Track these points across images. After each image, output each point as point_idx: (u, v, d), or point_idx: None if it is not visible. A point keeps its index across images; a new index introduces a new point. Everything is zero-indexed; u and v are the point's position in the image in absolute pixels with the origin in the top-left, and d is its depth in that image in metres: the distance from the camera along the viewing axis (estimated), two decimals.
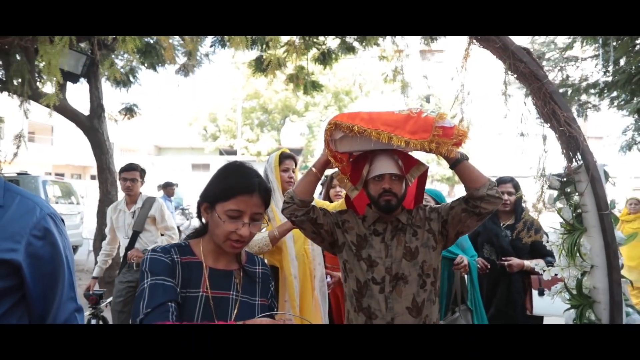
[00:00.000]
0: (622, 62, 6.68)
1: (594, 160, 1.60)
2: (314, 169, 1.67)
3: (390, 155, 1.62)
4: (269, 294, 1.22)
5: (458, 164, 1.54)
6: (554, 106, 1.59)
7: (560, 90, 7.87)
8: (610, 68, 7.03)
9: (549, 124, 1.65)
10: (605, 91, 7.24)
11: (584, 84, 7.34)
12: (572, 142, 1.61)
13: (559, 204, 1.69)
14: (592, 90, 7.48)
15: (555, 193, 1.71)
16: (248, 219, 1.09)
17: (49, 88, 4.77)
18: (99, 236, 4.91)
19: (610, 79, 7.06)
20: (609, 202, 1.63)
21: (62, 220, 0.98)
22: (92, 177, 24.69)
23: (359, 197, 1.74)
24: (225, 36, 5.13)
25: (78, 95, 6.16)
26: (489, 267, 2.47)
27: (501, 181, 2.59)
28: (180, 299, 1.04)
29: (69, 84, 4.77)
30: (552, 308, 2.21)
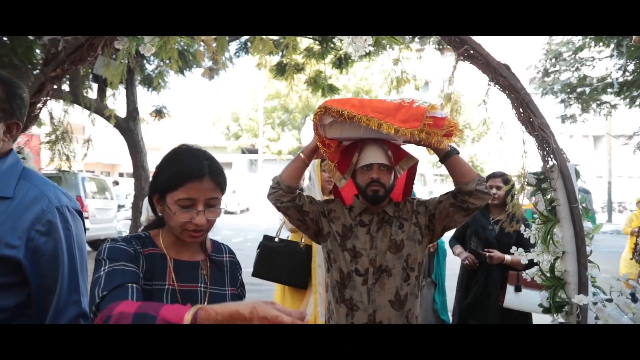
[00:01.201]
0: None
1: (565, 161, 1.85)
2: (302, 154, 1.64)
3: (380, 145, 1.60)
4: (238, 283, 1.17)
5: (448, 158, 1.54)
6: (530, 114, 1.85)
7: (578, 90, 7.90)
8: (630, 67, 7.04)
9: (526, 129, 1.90)
10: (625, 90, 7.25)
11: (601, 83, 7.36)
12: (546, 145, 1.86)
13: (535, 199, 1.94)
14: (610, 90, 7.48)
15: (532, 189, 1.96)
16: (202, 206, 0.99)
17: (91, 94, 5.27)
18: (134, 227, 5.38)
19: (629, 78, 7.06)
20: (579, 197, 1.88)
21: (79, 212, 0.90)
22: (120, 175, 25.79)
23: (347, 188, 1.73)
24: (249, 43, 5.51)
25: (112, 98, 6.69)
26: (477, 264, 2.63)
27: (491, 175, 2.68)
28: (144, 290, 0.95)
29: (108, 89, 5.24)
30: (524, 304, 2.40)
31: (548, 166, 1.91)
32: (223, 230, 13.14)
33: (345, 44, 1.97)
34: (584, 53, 7.24)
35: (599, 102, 7.82)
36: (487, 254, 2.56)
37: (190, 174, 0.99)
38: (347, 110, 1.46)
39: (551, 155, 1.88)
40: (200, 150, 1.07)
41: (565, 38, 7.57)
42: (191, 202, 0.99)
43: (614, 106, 7.92)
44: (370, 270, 1.58)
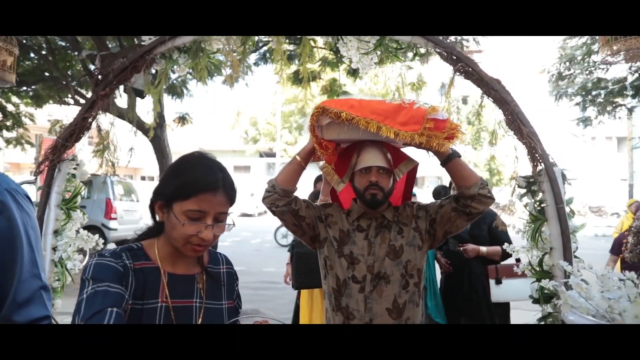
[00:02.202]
0: None
1: (552, 165, 2.05)
2: (298, 157, 1.59)
3: (379, 147, 1.55)
4: (234, 295, 1.11)
5: (449, 161, 1.50)
6: (519, 123, 2.05)
7: (594, 93, 7.91)
8: None
9: (516, 137, 2.10)
10: None
11: (617, 86, 7.36)
12: (534, 151, 2.06)
13: (525, 199, 2.14)
14: (626, 92, 7.47)
15: (523, 191, 2.16)
16: (211, 220, 0.95)
17: (120, 101, 5.69)
18: None
19: None
20: (565, 199, 2.07)
21: (28, 198, 0.91)
22: (142, 178, 26.67)
23: (345, 192, 1.69)
24: (267, 54, 5.82)
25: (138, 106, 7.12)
26: (450, 265, 2.77)
27: None
28: (131, 310, 0.91)
29: (137, 99, 5.63)
30: (509, 295, 2.51)
31: (537, 170, 2.11)
32: (242, 232, 13.51)
33: (353, 63, 2.22)
34: (598, 56, 7.26)
35: (614, 105, 7.81)
36: (462, 248, 2.67)
37: (205, 186, 0.94)
38: (345, 112, 1.41)
39: (540, 161, 2.08)
40: (214, 161, 1.02)
41: (580, 42, 7.61)
42: (201, 215, 0.94)
43: (630, 109, 7.89)
44: (368, 277, 1.52)
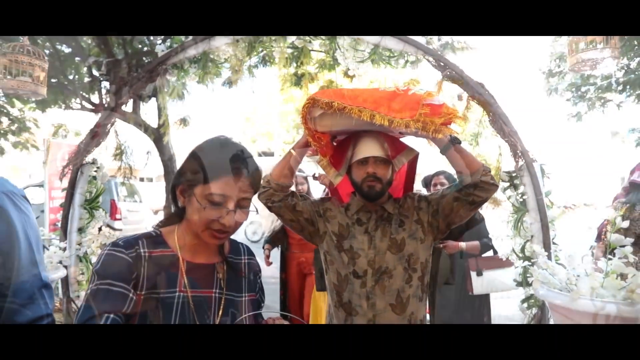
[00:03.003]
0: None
1: (531, 161, 2.26)
2: (292, 151, 1.56)
3: (375, 137, 1.49)
4: (257, 288, 1.07)
5: (449, 149, 1.44)
6: (501, 123, 2.26)
7: (583, 89, 8.15)
8: (633, 65, 7.27)
9: (499, 135, 2.32)
10: (628, 88, 7.48)
11: (605, 82, 7.59)
12: (515, 148, 2.28)
13: (508, 192, 2.36)
14: (614, 88, 7.69)
15: (506, 184, 2.37)
16: (234, 205, 0.93)
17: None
18: None
19: (632, 76, 7.29)
20: (544, 191, 2.28)
21: (25, 198, 0.92)
22: (141, 179, 26.76)
23: (344, 185, 1.64)
24: (266, 57, 6.00)
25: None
26: None
27: (436, 174, 2.81)
28: (147, 300, 0.89)
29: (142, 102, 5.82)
30: (490, 286, 2.55)
31: (519, 165, 2.32)
32: (240, 229, 13.69)
33: (351, 70, 2.43)
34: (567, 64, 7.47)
35: (603, 101, 8.04)
36: (441, 245, 2.65)
37: (227, 169, 0.92)
38: (336, 102, 1.36)
39: (520, 157, 2.30)
40: (239, 146, 0.98)
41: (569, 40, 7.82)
42: (223, 199, 0.91)
43: (618, 105, 8.13)
44: (369, 272, 1.48)
